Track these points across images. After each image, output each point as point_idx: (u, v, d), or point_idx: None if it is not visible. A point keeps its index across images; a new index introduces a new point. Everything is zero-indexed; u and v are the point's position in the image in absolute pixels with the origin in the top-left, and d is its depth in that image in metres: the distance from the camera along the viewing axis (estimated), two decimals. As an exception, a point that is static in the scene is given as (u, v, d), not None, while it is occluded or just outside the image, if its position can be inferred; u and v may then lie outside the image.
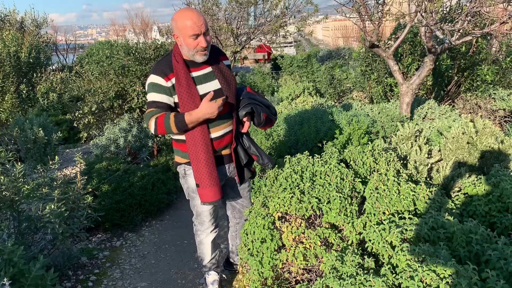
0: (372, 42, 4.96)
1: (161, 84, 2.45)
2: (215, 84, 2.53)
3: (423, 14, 4.02)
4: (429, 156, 3.83)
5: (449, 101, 7.06)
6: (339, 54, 16.11)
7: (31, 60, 9.49)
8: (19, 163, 3.09)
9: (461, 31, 3.74)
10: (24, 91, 8.89)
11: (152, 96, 2.48)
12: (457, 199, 3.00)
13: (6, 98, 8.37)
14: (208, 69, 2.53)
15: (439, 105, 5.95)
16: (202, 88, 2.48)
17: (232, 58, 11.27)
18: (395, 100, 6.29)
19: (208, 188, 2.55)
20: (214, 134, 2.56)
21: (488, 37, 6.29)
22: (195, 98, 2.42)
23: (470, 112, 6.50)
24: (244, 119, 2.65)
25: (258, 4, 10.71)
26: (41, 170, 3.49)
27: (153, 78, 2.47)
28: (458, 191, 3.15)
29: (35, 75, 9.49)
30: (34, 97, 9.08)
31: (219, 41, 10.95)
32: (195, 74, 2.49)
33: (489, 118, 6.22)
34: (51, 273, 2.80)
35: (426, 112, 5.72)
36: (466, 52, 6.37)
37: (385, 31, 10.45)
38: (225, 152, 2.70)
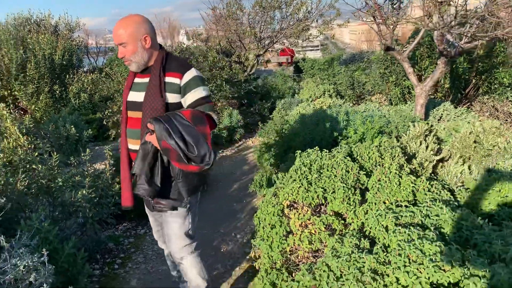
0: (387, 45, 5.13)
1: None
2: (140, 96, 2.34)
3: (438, 16, 4.17)
4: (439, 154, 4.00)
5: (468, 103, 7.13)
6: (362, 58, 16.20)
7: (64, 62, 10.02)
8: (55, 153, 3.43)
9: (469, 34, 3.89)
10: (57, 92, 9.41)
11: None
12: (459, 193, 3.17)
13: (41, 98, 8.89)
14: (146, 80, 2.34)
15: (455, 108, 6.06)
16: (131, 95, 2.40)
17: (255, 61, 11.57)
18: (412, 102, 6.42)
19: (122, 191, 2.50)
20: (129, 145, 2.44)
21: (496, 41, 6.35)
22: (124, 101, 2.44)
23: (488, 115, 6.56)
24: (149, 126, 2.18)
25: (281, 8, 10.96)
26: (73, 161, 3.83)
27: None
28: (461, 186, 3.31)
29: (67, 76, 10.01)
30: (66, 97, 9.59)
31: (242, 44, 11.26)
32: (136, 80, 2.42)
33: (506, 120, 6.27)
34: (82, 253, 3.11)
35: (442, 114, 5.84)
36: (484, 55, 6.45)
37: (406, 34, 10.53)
38: None
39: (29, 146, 3.59)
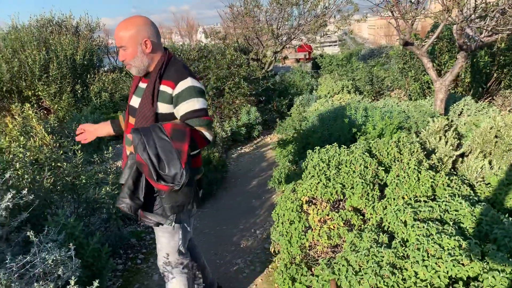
0: (405, 40, 5.10)
1: None
2: (137, 101, 2.27)
3: (457, 10, 4.13)
4: (459, 149, 3.97)
5: (489, 98, 7.02)
6: (381, 53, 16.05)
7: (85, 62, 10.24)
8: (79, 152, 3.53)
9: (489, 28, 3.84)
10: (79, 91, 9.62)
11: None
12: (479, 188, 3.15)
13: (63, 98, 9.10)
14: (144, 85, 2.26)
15: (477, 102, 5.98)
16: (133, 99, 2.34)
17: (273, 58, 11.60)
18: (432, 97, 6.36)
19: None
20: (126, 150, 2.39)
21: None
22: (128, 105, 2.41)
23: (510, 110, 6.45)
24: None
25: (299, 4, 10.97)
26: (97, 159, 3.93)
27: None
28: (482, 181, 3.29)
29: (88, 76, 10.22)
30: (88, 97, 9.79)
31: (260, 41, 11.30)
32: (140, 84, 2.35)
33: (529, 114, 6.15)
34: (106, 248, 3.20)
35: (462, 109, 5.77)
36: (506, 48, 6.34)
37: (426, 28, 10.40)
38: None
39: (55, 145, 3.70)
